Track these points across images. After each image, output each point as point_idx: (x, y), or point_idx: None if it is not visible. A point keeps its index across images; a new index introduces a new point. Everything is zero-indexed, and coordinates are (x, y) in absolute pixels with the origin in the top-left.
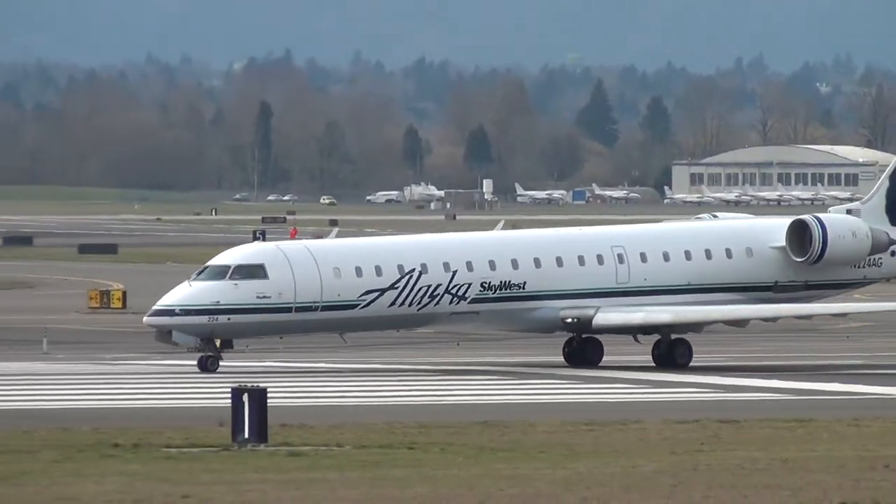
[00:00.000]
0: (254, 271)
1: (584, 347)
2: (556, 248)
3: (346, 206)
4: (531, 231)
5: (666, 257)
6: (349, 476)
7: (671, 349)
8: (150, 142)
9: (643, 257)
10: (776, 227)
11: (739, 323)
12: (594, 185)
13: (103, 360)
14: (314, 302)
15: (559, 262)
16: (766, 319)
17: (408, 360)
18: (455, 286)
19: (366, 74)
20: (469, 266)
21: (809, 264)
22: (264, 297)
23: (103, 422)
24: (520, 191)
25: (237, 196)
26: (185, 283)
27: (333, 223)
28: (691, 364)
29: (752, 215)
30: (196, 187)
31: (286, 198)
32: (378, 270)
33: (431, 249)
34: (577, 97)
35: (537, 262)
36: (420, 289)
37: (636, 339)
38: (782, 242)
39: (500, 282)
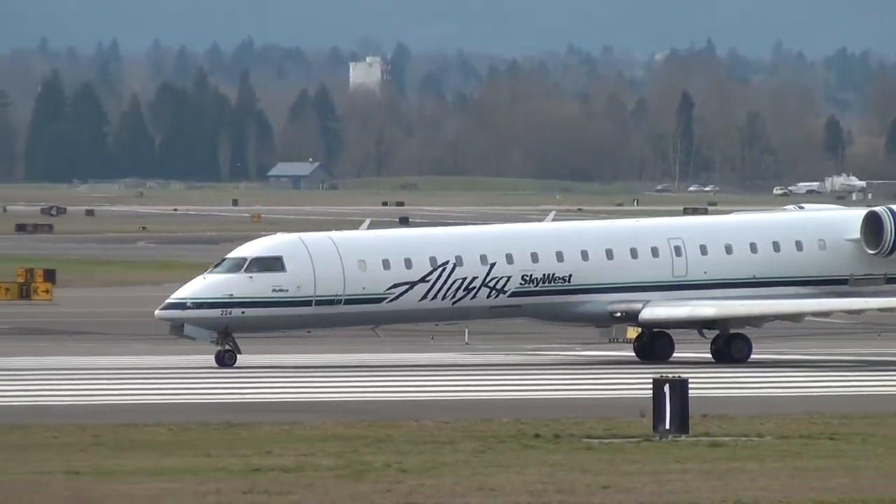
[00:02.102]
0: (270, 264)
1: (653, 342)
2: (607, 240)
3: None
4: (580, 223)
5: (728, 250)
6: (770, 467)
7: (728, 344)
8: (572, 133)
9: (703, 249)
10: (853, 219)
11: (794, 317)
12: None
13: (523, 351)
14: (336, 295)
15: (609, 254)
16: (815, 314)
17: (833, 350)
18: (493, 279)
19: (787, 65)
20: (509, 258)
21: (883, 257)
22: (281, 290)
23: (524, 412)
24: None
25: (658, 187)
26: (200, 277)
27: None
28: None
29: (839, 206)
30: (618, 178)
31: (707, 188)
32: (408, 263)
33: (467, 242)
34: None
35: (584, 255)
36: (454, 282)
37: (701, 334)
38: (857, 235)
39: (543, 274)
